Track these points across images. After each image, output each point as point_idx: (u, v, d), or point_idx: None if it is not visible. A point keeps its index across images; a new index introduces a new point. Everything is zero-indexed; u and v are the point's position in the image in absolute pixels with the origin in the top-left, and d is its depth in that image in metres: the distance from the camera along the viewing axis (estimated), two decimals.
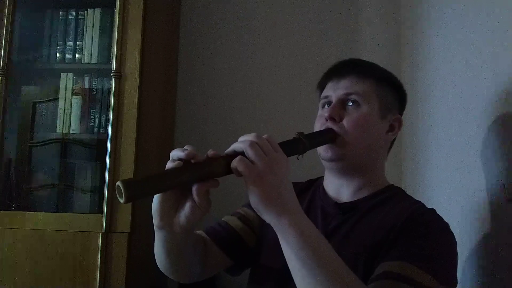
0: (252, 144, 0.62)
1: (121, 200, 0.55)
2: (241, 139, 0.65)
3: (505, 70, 0.90)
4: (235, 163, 0.61)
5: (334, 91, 0.87)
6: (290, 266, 0.64)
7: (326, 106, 0.88)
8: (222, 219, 0.94)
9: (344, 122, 0.83)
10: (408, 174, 1.58)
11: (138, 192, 0.57)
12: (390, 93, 0.89)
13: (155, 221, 0.67)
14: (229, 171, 0.63)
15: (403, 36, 1.71)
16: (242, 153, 0.62)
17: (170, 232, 0.68)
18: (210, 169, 0.62)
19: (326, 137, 0.83)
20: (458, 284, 0.75)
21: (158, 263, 0.78)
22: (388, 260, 0.70)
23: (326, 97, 0.89)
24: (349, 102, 0.85)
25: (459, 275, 0.75)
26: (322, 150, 0.85)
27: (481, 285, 0.96)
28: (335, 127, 0.83)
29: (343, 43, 1.76)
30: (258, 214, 0.63)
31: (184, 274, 0.82)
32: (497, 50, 0.93)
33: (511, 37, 0.88)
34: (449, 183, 1.20)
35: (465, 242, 1.02)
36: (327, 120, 0.84)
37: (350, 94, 0.85)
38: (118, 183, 0.55)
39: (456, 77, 1.17)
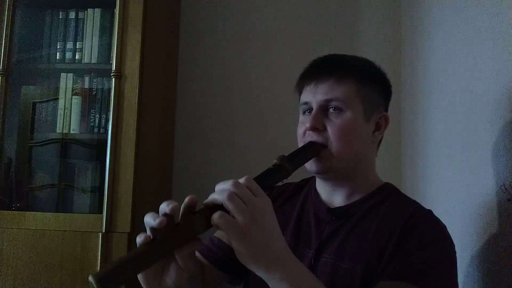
0: (230, 195, 0.57)
1: None
2: (218, 187, 0.60)
3: (506, 69, 0.90)
4: (215, 220, 0.57)
5: (313, 96, 0.82)
6: None
7: (307, 112, 0.84)
8: (215, 234, 0.93)
9: (328, 131, 0.79)
10: (408, 174, 1.58)
11: (114, 284, 0.52)
12: (373, 90, 0.84)
13: (142, 285, 0.64)
14: (210, 225, 0.59)
15: (403, 36, 1.71)
16: (222, 205, 0.58)
17: None
18: (190, 231, 0.58)
19: (309, 152, 0.79)
20: (460, 284, 0.75)
21: None
22: (386, 279, 0.68)
23: (306, 103, 0.84)
24: (331, 108, 0.80)
25: (460, 275, 0.75)
26: (308, 163, 0.81)
27: (482, 285, 0.96)
28: (319, 138, 0.80)
29: (343, 42, 1.76)
30: (247, 267, 0.60)
31: None
32: (498, 50, 0.93)
33: None
34: (449, 183, 1.20)
35: (465, 242, 1.02)
36: (309, 130, 0.80)
37: (331, 100, 0.80)
38: (90, 279, 0.51)
39: (457, 76, 1.17)
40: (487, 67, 0.98)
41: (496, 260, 0.91)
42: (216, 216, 0.57)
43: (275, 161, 0.73)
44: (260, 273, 0.60)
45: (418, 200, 0.84)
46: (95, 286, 0.50)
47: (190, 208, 0.60)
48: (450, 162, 1.20)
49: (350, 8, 1.78)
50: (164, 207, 0.59)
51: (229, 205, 0.57)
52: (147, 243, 0.57)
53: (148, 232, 0.59)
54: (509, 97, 0.88)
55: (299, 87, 0.89)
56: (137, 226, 1.33)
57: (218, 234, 0.92)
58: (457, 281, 0.73)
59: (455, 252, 0.75)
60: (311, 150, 0.80)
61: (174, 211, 0.58)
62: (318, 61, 0.87)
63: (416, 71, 1.52)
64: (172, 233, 0.58)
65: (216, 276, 0.88)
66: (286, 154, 0.75)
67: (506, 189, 0.86)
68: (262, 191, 0.62)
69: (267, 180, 0.67)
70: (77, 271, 1.28)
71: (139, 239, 0.58)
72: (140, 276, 0.62)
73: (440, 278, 0.69)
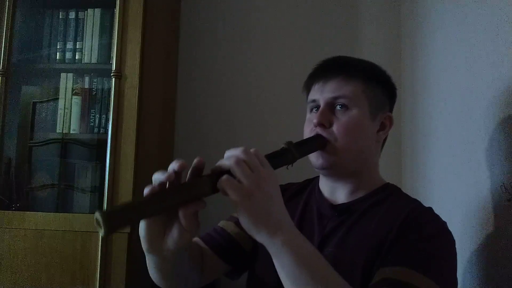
0: (238, 161, 0.59)
1: (101, 233, 0.51)
2: (227, 154, 0.62)
3: (506, 70, 0.90)
4: (221, 183, 0.58)
5: (321, 94, 0.84)
6: (284, 285, 0.62)
7: (315, 110, 0.86)
8: (218, 224, 0.94)
9: (334, 127, 0.81)
10: (408, 174, 1.58)
11: (118, 223, 0.53)
12: (379, 91, 0.86)
13: (143, 246, 0.65)
14: (215, 190, 0.60)
15: (403, 36, 1.71)
16: (228, 171, 0.60)
17: (161, 256, 0.67)
18: (196, 190, 0.59)
19: (315, 144, 0.81)
20: (459, 284, 0.75)
21: (154, 281, 0.76)
22: (386, 266, 0.69)
23: (314, 100, 0.86)
24: (338, 106, 0.82)
25: (459, 274, 0.75)
26: (313, 158, 0.83)
27: (481, 285, 0.96)
28: (324, 134, 0.81)
29: (343, 43, 1.76)
30: (250, 234, 0.61)
31: (182, 286, 0.80)
32: (498, 50, 0.93)
33: None
34: (449, 183, 1.20)
35: (465, 241, 1.02)
36: (316, 126, 0.82)
37: (338, 97, 0.82)
38: (96, 215, 0.51)
39: (457, 77, 1.17)
40: (486, 67, 0.98)
41: (496, 260, 0.91)
42: (223, 179, 0.59)
43: (282, 145, 0.74)
44: (262, 238, 0.61)
45: (418, 200, 0.84)
46: (101, 222, 0.51)
47: (197, 171, 0.61)
48: (450, 162, 1.20)
49: (350, 8, 1.78)
50: (173, 165, 0.60)
51: (236, 170, 0.59)
52: (154, 193, 0.58)
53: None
54: (509, 96, 0.88)
55: (307, 86, 0.91)
56: (137, 226, 1.33)
57: (222, 223, 0.94)
58: (456, 276, 0.73)
59: (455, 249, 0.75)
60: (318, 141, 0.81)
61: (183, 167, 0.59)
62: (326, 61, 0.89)
63: (416, 71, 1.52)
64: (179, 189, 0.59)
65: (216, 266, 0.88)
66: None
67: (506, 189, 0.86)
68: (269, 164, 0.63)
69: (273, 160, 0.67)
70: (77, 271, 1.28)
71: (147, 189, 0.59)
72: (142, 234, 0.63)
73: (440, 269, 0.69)
